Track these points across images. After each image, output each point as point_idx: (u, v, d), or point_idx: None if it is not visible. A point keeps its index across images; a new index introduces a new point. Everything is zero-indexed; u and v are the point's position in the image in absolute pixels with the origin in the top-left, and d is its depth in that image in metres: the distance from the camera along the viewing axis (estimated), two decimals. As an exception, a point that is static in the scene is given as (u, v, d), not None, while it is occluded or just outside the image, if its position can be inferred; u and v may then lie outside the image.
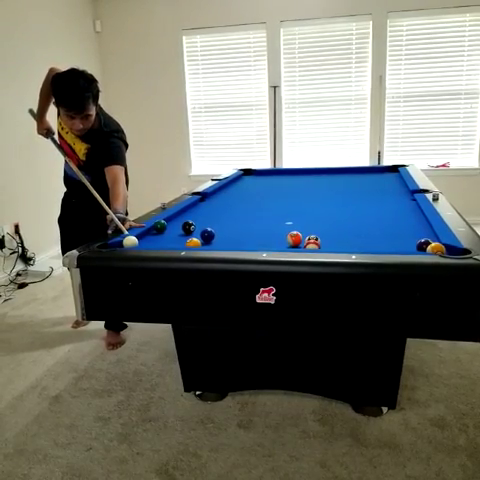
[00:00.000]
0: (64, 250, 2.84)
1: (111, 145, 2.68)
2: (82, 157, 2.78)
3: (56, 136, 2.83)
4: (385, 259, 1.62)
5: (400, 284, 1.57)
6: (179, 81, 5.86)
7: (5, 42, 4.32)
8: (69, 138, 2.77)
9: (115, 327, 3.03)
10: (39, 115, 2.79)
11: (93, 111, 2.56)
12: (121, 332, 3.06)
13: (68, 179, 2.98)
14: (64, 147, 2.82)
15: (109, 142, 2.68)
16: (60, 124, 2.76)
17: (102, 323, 3.14)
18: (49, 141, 2.82)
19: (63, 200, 3.09)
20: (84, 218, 2.87)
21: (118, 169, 2.63)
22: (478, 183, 5.39)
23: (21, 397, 2.47)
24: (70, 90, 2.42)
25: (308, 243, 1.88)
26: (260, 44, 5.60)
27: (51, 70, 2.70)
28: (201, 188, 3.31)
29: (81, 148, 2.77)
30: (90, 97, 2.48)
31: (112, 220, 2.25)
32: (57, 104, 2.54)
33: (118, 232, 2.20)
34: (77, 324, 3.27)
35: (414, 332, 1.64)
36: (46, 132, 2.81)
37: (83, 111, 2.50)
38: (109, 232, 2.22)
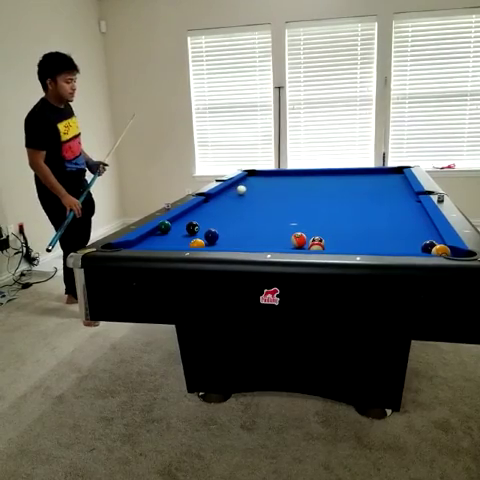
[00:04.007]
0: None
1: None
2: (79, 130, 3.50)
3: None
4: (390, 261, 1.62)
5: (405, 286, 1.56)
6: (184, 82, 5.86)
7: (10, 43, 4.34)
8: (70, 132, 3.36)
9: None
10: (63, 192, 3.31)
11: None
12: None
13: (76, 173, 3.47)
14: (73, 147, 3.39)
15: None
16: (63, 135, 3.29)
17: (107, 324, 3.16)
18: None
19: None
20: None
21: None
22: (483, 185, 5.37)
23: (25, 397, 2.47)
24: (65, 56, 3.20)
25: (312, 244, 1.88)
26: (265, 45, 5.59)
27: (42, 168, 3.25)
28: (205, 189, 3.31)
29: (75, 122, 3.45)
30: None
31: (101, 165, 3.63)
32: (58, 73, 3.17)
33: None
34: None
35: (418, 334, 1.63)
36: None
37: (77, 70, 3.24)
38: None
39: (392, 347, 2.02)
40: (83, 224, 3.50)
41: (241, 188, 3.26)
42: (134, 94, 6.00)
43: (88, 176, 3.63)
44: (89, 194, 3.55)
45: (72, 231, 3.30)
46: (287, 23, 5.45)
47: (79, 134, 3.51)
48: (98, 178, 3.66)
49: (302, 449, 1.99)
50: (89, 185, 3.58)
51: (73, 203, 3.29)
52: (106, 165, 3.70)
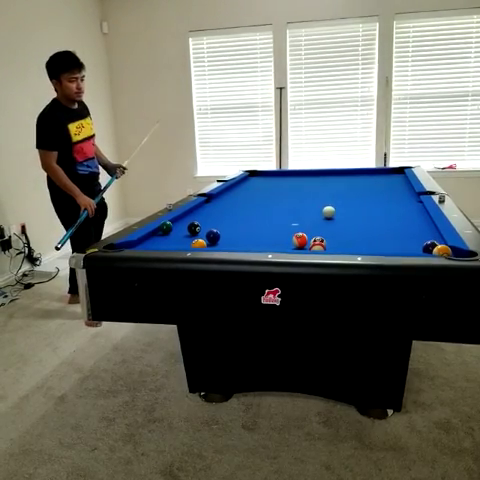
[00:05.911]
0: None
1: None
2: (93, 131, 3.44)
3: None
4: (391, 261, 1.62)
5: (406, 286, 1.56)
6: (185, 82, 5.87)
7: (13, 43, 4.35)
8: (82, 133, 3.30)
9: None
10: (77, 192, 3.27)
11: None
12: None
13: (88, 176, 3.41)
14: (85, 148, 3.33)
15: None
16: (74, 136, 3.25)
17: (108, 324, 3.16)
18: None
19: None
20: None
21: None
22: (485, 185, 5.37)
23: (27, 397, 2.48)
24: (69, 54, 3.14)
25: (314, 244, 1.88)
26: (266, 46, 5.60)
27: (56, 169, 3.20)
28: (207, 189, 3.31)
29: (89, 123, 3.41)
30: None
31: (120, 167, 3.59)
32: (61, 74, 3.11)
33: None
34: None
35: (420, 334, 1.63)
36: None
37: (83, 68, 3.16)
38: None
39: (393, 347, 2.02)
40: (96, 227, 3.48)
41: (329, 209, 2.48)
42: (136, 95, 6.01)
43: (102, 181, 3.60)
44: (102, 197, 3.50)
45: (84, 233, 3.27)
46: (288, 24, 5.46)
47: (93, 135, 3.45)
48: (115, 180, 3.64)
49: (303, 449, 1.99)
50: (106, 187, 3.55)
51: (88, 203, 3.25)
52: (125, 169, 3.65)
